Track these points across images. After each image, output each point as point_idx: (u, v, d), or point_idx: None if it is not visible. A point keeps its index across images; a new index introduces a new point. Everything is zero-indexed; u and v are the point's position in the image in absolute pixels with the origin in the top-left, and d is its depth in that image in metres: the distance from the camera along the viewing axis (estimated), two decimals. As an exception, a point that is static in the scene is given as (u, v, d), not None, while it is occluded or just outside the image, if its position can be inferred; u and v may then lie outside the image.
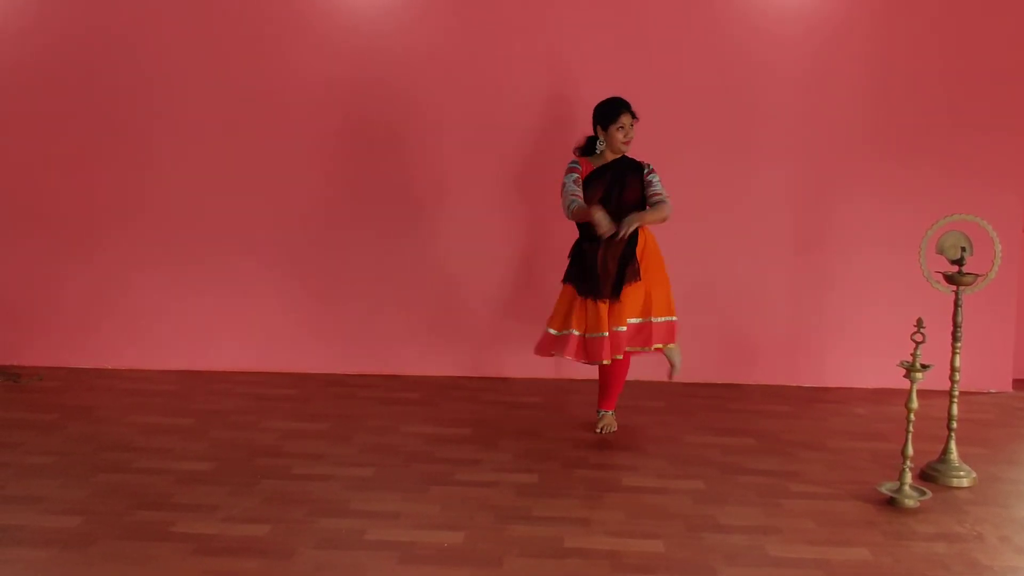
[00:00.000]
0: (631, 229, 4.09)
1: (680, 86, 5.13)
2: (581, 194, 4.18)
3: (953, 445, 3.82)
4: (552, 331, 4.29)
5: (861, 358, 5.24)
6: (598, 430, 4.38)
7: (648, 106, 5.04)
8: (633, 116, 4.24)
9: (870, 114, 5.15)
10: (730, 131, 5.16)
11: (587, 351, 4.19)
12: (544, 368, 5.29)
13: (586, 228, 4.21)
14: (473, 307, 5.32)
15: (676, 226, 4.98)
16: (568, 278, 4.32)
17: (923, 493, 3.52)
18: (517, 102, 5.17)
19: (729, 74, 5.15)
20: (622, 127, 4.21)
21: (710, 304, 5.22)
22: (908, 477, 3.52)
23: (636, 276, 4.21)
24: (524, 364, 5.32)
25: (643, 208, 4.22)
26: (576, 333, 4.20)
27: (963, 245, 3.76)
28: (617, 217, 4.08)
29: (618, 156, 4.28)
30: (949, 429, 3.82)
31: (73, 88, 5.25)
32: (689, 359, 5.25)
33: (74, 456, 3.90)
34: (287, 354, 5.36)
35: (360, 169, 5.26)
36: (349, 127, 5.24)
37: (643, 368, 5.03)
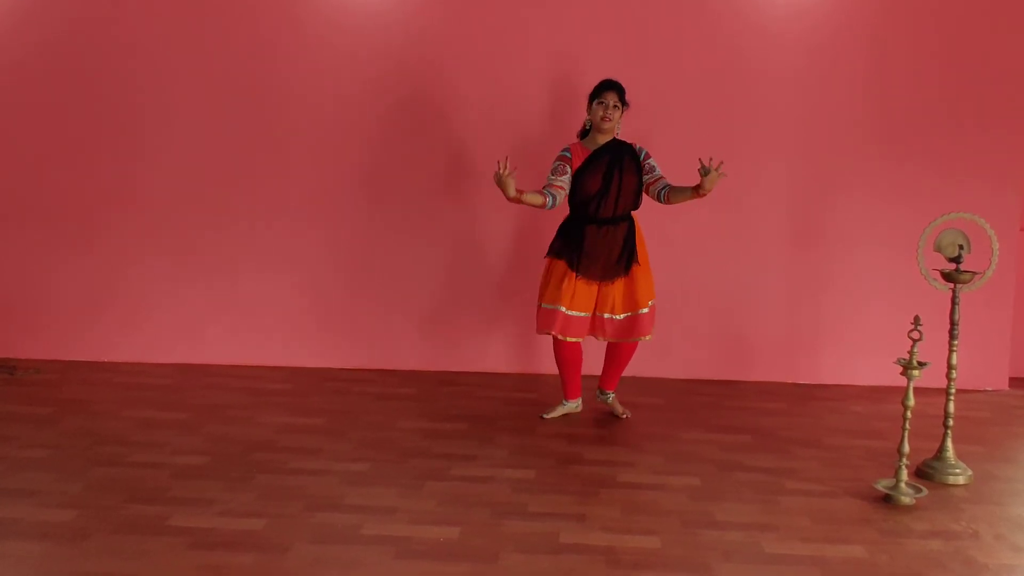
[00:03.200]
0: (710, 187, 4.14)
1: (677, 84, 5.12)
2: (560, 184, 4.25)
3: (949, 443, 3.82)
4: (546, 305, 4.36)
5: (858, 355, 5.24)
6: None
7: (645, 104, 5.05)
8: (620, 99, 4.27)
9: (868, 112, 5.14)
10: (728, 130, 5.15)
11: (567, 327, 4.30)
12: (540, 364, 5.28)
13: (584, 208, 4.29)
14: (469, 302, 5.31)
15: (673, 223, 4.99)
16: (558, 254, 4.36)
17: (919, 491, 3.52)
18: (515, 99, 5.16)
19: (726, 73, 5.14)
20: (603, 102, 4.23)
21: (707, 301, 5.22)
22: (904, 474, 3.52)
23: (635, 259, 4.32)
24: (520, 359, 5.32)
25: (641, 192, 4.34)
26: (563, 310, 4.29)
27: (961, 243, 3.75)
28: (617, 203, 4.25)
29: (609, 139, 4.31)
30: (945, 427, 3.82)
31: (68, 82, 5.24)
32: (686, 356, 5.29)
33: (69, 450, 3.89)
34: (282, 349, 5.36)
35: (357, 163, 5.25)
36: (347, 121, 5.23)
37: (639, 364, 5.03)
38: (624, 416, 4.55)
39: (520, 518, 3.28)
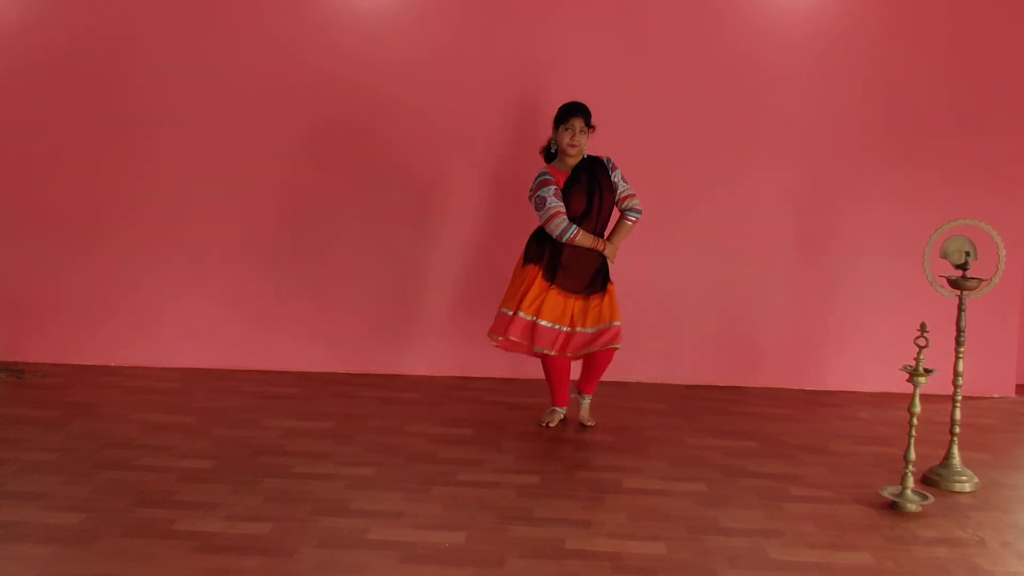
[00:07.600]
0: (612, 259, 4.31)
1: (684, 90, 5.12)
2: (564, 209, 4.21)
3: (955, 450, 3.81)
4: (507, 311, 4.33)
5: (864, 362, 5.23)
6: (543, 423, 4.45)
7: (652, 110, 5.08)
8: (587, 124, 4.22)
9: (875, 118, 5.14)
10: (734, 135, 5.15)
11: (536, 337, 4.24)
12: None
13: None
14: (476, 307, 5.31)
15: (680, 228, 4.99)
16: (535, 262, 4.29)
17: (925, 497, 3.52)
18: (516, 100, 5.17)
19: (733, 78, 5.14)
20: (569, 128, 4.19)
21: (713, 307, 5.22)
22: (910, 481, 3.51)
23: (609, 279, 4.34)
24: (526, 365, 5.32)
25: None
26: (526, 317, 4.25)
27: (967, 249, 3.75)
28: (598, 221, 4.26)
29: (577, 159, 4.27)
30: (952, 434, 3.82)
31: (76, 86, 5.26)
32: (692, 361, 5.28)
33: (76, 453, 3.90)
34: (289, 353, 5.36)
35: (363, 169, 5.26)
36: (350, 127, 5.24)
37: (645, 369, 5.03)
38: (589, 424, 4.44)
39: (526, 523, 3.29)
